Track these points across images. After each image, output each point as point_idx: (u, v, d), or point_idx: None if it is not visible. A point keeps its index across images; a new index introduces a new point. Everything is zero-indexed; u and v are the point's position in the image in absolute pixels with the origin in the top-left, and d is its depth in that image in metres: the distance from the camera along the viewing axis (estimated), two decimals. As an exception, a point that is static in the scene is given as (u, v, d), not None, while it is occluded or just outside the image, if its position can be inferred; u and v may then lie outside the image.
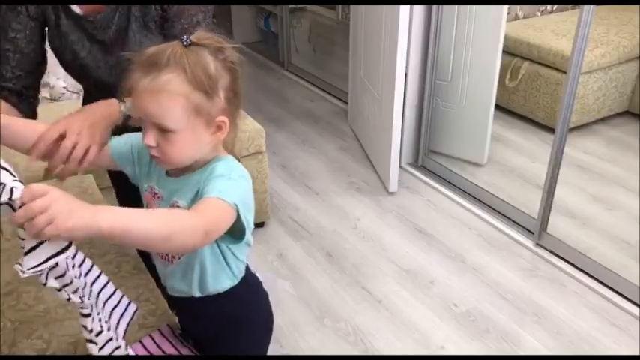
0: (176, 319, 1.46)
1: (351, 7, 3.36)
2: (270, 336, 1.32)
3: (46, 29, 1.39)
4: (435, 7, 2.78)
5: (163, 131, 0.98)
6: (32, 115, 1.36)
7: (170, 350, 1.39)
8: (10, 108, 1.29)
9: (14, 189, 0.81)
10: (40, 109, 2.59)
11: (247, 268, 1.21)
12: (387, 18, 2.70)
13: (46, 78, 2.60)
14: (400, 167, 2.96)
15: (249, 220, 1.03)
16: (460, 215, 2.72)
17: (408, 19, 2.58)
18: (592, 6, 2.08)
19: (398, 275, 2.35)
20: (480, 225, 2.65)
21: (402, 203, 2.82)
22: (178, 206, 1.05)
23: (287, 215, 2.73)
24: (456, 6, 2.76)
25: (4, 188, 0.81)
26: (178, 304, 1.26)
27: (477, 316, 2.14)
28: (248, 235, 1.06)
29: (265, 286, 1.30)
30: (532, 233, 2.52)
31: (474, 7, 2.73)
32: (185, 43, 0.97)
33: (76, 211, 0.79)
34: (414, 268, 2.39)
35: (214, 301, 1.17)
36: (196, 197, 1.01)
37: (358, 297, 2.25)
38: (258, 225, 2.63)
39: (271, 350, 1.60)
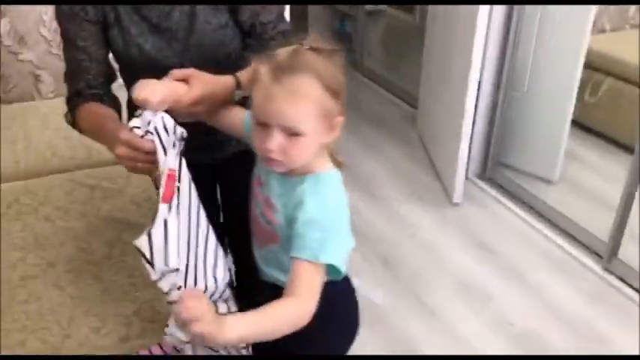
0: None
1: (429, 11, 3.31)
2: (350, 345, 1.31)
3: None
4: (515, 13, 2.69)
5: (291, 135, 0.98)
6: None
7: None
8: (104, 106, 1.27)
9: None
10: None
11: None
12: (464, 24, 2.64)
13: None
14: (466, 178, 2.89)
15: (347, 246, 1.05)
16: (525, 232, 2.62)
17: (486, 25, 2.51)
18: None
19: (454, 288, 2.29)
20: (546, 244, 2.54)
21: (465, 215, 2.74)
22: (271, 204, 1.07)
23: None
24: (538, 14, 2.66)
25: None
26: (265, 289, 1.25)
27: (533, 338, 2.06)
28: (343, 263, 1.05)
29: (358, 294, 1.30)
30: (601, 257, 2.39)
31: (557, 16, 2.62)
32: (306, 48, 1.00)
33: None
34: (472, 282, 2.32)
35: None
36: (288, 211, 1.04)
37: (411, 307, 2.20)
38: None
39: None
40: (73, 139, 2.22)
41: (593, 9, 2.61)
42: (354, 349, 2.00)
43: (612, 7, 3.48)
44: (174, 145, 1.05)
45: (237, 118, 1.20)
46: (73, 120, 1.32)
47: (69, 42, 1.30)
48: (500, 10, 2.69)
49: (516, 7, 2.67)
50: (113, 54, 1.35)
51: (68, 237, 1.72)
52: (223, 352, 1.19)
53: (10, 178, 2.04)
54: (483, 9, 2.44)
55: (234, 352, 1.17)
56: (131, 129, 1.03)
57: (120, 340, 1.40)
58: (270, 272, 1.17)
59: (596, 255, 2.42)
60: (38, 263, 1.62)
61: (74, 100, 1.29)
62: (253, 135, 1.03)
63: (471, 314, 2.17)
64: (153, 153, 1.02)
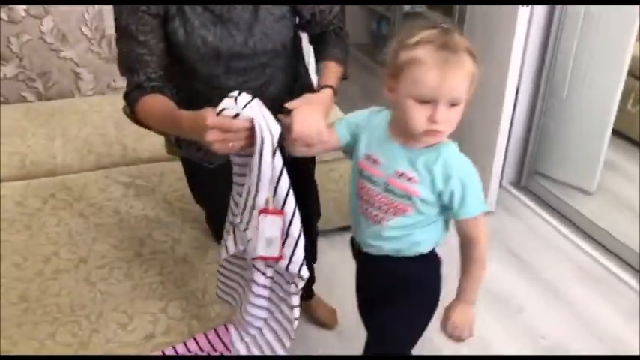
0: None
1: (467, 13, 3.26)
2: (434, 312, 1.41)
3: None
4: (555, 19, 2.63)
5: (452, 105, 1.12)
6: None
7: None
8: (166, 97, 1.29)
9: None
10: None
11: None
12: (503, 26, 2.59)
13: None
14: (500, 186, 2.83)
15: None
16: (560, 244, 2.56)
17: (526, 28, 2.46)
18: None
19: (484, 299, 2.25)
20: (581, 257, 2.47)
21: (498, 224, 2.69)
22: (409, 178, 1.19)
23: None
24: (580, 19, 2.59)
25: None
26: (366, 259, 1.37)
27: (564, 353, 2.00)
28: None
29: None
30: (638, 272, 2.31)
31: (600, 22, 2.55)
32: (442, 27, 1.12)
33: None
34: (503, 293, 2.28)
35: (406, 262, 1.30)
36: (432, 185, 1.18)
37: (438, 315, 2.17)
38: (344, 228, 2.61)
39: (339, 343, 1.57)
40: (110, 137, 2.26)
41: (638, 15, 2.52)
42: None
43: (659, 14, 3.37)
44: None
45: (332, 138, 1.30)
46: (133, 112, 1.33)
47: (129, 36, 1.29)
48: (540, 12, 2.63)
49: (557, 10, 2.61)
50: (171, 47, 1.35)
51: (101, 233, 1.75)
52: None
53: (48, 173, 2.09)
54: (523, 13, 2.39)
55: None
56: (219, 112, 1.07)
57: (146, 336, 1.42)
58: (388, 245, 1.28)
59: (633, 269, 2.35)
60: (71, 258, 1.66)
61: (134, 93, 1.29)
62: (410, 114, 1.12)
63: (501, 325, 2.13)
64: (245, 130, 1.07)
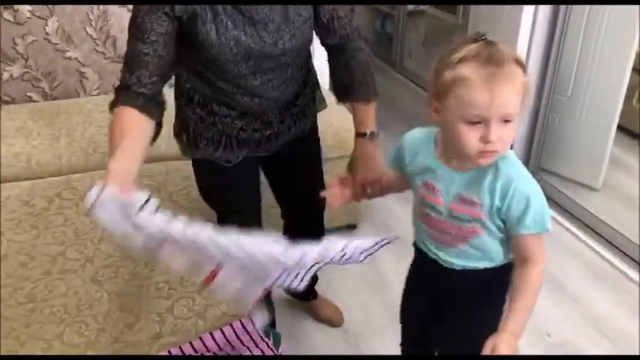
0: (265, 313, 1.49)
1: (471, 11, 3.25)
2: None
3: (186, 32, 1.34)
4: (560, 16, 2.62)
5: (504, 122, 1.04)
6: (160, 121, 1.35)
7: (248, 342, 1.41)
8: (138, 118, 1.26)
9: None
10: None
11: None
12: (507, 24, 2.58)
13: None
14: (505, 182, 2.83)
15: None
16: (566, 241, 2.55)
17: (531, 26, 2.45)
18: None
19: (490, 295, 2.25)
20: (587, 253, 2.47)
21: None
22: (471, 201, 1.14)
23: (381, 220, 2.70)
24: (585, 15, 2.58)
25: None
26: (434, 269, 1.32)
27: (571, 350, 2.00)
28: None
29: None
30: (644, 268, 2.32)
31: (605, 17, 2.54)
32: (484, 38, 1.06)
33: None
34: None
35: (475, 274, 1.25)
36: (496, 210, 1.12)
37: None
38: (351, 226, 2.62)
39: (351, 344, 1.57)
40: (115, 136, 2.27)
41: (644, 11, 2.51)
42: (387, 350, 1.99)
43: (664, 9, 3.36)
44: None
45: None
46: (110, 111, 1.33)
47: (139, 33, 1.28)
48: (545, 10, 2.62)
49: (562, 9, 2.60)
50: (198, 49, 1.34)
51: (107, 233, 1.76)
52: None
53: (53, 173, 2.10)
54: (528, 10, 2.38)
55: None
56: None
57: (152, 336, 1.42)
58: (463, 263, 1.25)
59: (639, 265, 2.34)
60: (77, 258, 1.66)
61: (119, 94, 1.29)
62: (461, 136, 1.05)
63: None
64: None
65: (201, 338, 1.42)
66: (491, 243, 1.20)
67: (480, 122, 1.03)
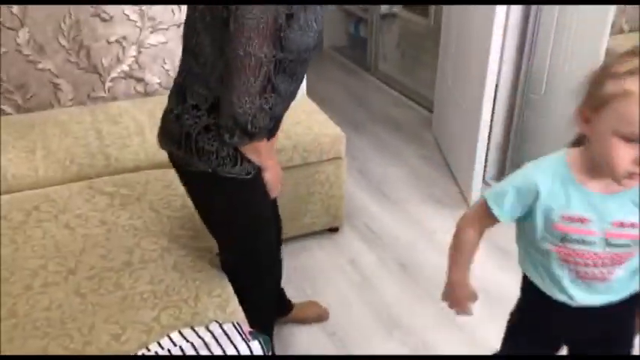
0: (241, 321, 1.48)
1: (444, 13, 3.29)
2: None
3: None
4: (532, 15, 2.66)
5: None
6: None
7: (235, 339, 1.39)
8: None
9: None
10: (133, 104, 2.71)
11: None
12: (480, 26, 2.62)
13: (141, 74, 2.72)
14: (484, 182, 2.87)
15: None
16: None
17: (503, 27, 2.49)
18: None
19: (479, 297, 2.27)
20: (566, 248, 2.51)
21: (482, 219, 2.72)
22: (631, 223, 1.06)
23: (362, 222, 2.71)
24: (555, 15, 2.64)
25: None
26: (574, 313, 1.23)
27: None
28: None
29: None
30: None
31: (575, 16, 2.60)
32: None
33: None
34: (492, 287, 2.29)
35: (618, 310, 1.19)
36: None
37: (430, 312, 2.19)
38: (333, 229, 2.62)
39: (331, 344, 1.56)
40: (92, 147, 2.24)
41: (612, 9, 2.57)
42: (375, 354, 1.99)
43: (630, 7, 3.44)
44: None
45: None
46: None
47: (269, 41, 1.24)
48: (517, 11, 2.67)
49: (533, 7, 2.65)
50: (282, 52, 1.30)
51: (88, 244, 1.73)
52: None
53: (30, 186, 2.06)
54: (500, 10, 2.42)
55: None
56: None
57: (139, 347, 1.40)
58: (614, 297, 1.18)
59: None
60: (59, 270, 1.63)
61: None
62: (613, 153, 0.97)
63: (491, 319, 2.14)
64: None
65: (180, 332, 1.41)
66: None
67: (634, 141, 0.95)
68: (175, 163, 1.52)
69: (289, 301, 2.09)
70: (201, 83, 1.37)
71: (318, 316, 2.13)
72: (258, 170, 1.48)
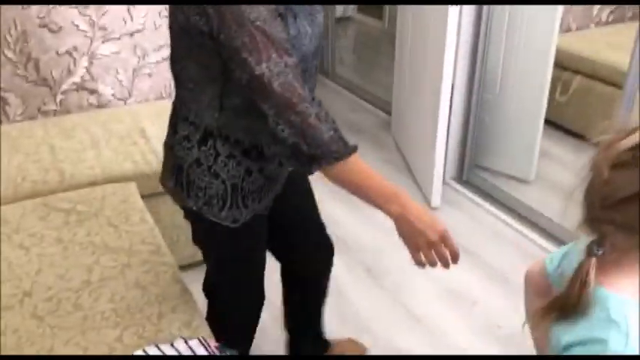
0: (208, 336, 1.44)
1: (398, 16, 3.32)
2: None
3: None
4: (484, 17, 2.71)
5: None
6: None
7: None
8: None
9: None
10: (87, 116, 2.64)
11: None
12: (434, 28, 2.65)
13: (94, 85, 2.65)
14: (444, 182, 2.90)
15: None
16: (505, 233, 2.64)
17: (456, 29, 2.52)
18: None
19: (439, 294, 2.29)
20: (527, 244, 2.56)
21: (444, 219, 2.71)
22: None
23: (328, 230, 2.69)
24: (507, 17, 2.69)
25: None
26: None
27: (521, 340, 2.05)
28: None
29: None
30: (581, 254, 2.41)
31: (525, 18, 2.65)
32: None
33: None
34: (456, 287, 2.32)
35: None
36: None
37: (398, 315, 2.19)
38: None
39: None
40: (45, 163, 2.17)
41: (560, 8, 2.64)
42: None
43: (577, 7, 3.55)
44: None
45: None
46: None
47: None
48: (469, 12, 2.71)
49: (485, 8, 2.69)
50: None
51: (44, 264, 1.67)
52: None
53: (-20, 205, 1.98)
54: (453, 12, 2.45)
55: None
56: None
57: (103, 369, 1.36)
58: None
59: (577, 252, 2.44)
60: (14, 293, 1.57)
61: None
62: None
63: (458, 319, 2.17)
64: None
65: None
66: None
67: None
68: (173, 198, 1.41)
69: (326, 340, 1.94)
70: (191, 111, 1.27)
71: (356, 355, 2.01)
72: (253, 217, 1.35)
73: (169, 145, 1.35)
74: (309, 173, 1.19)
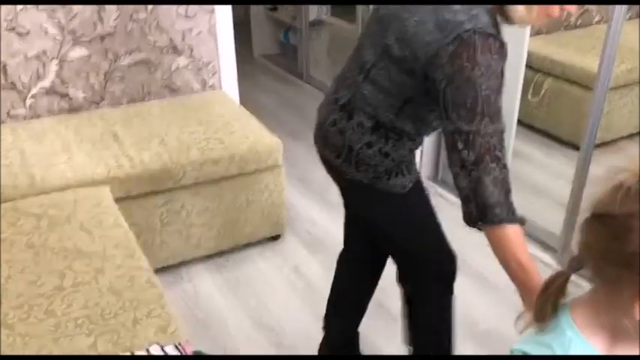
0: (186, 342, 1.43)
1: (371, 20, 3.33)
2: None
3: None
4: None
5: None
6: None
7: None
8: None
9: None
10: (57, 120, 2.60)
11: None
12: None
13: (64, 89, 2.60)
14: (419, 182, 2.91)
15: None
16: (480, 232, 2.65)
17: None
18: (620, 20, 2.02)
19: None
20: (501, 243, 2.58)
21: (420, 219, 2.76)
22: None
23: (304, 229, 2.69)
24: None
25: None
26: None
27: (497, 337, 2.08)
28: None
29: None
30: (555, 251, 2.44)
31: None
32: None
33: None
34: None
35: None
36: None
37: (375, 315, 2.19)
38: (274, 238, 2.59)
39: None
40: (14, 167, 2.12)
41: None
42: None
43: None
44: None
45: None
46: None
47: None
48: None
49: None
50: None
51: (14, 270, 1.63)
52: None
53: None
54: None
55: None
56: None
57: (77, 376, 1.33)
58: None
59: (551, 249, 2.47)
60: (-17, 301, 1.53)
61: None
62: None
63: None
64: None
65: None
66: None
67: None
68: (332, 168, 1.55)
69: (360, 355, 1.98)
70: (371, 105, 1.39)
71: (356, 355, 2.02)
72: (416, 183, 1.50)
73: (339, 128, 1.45)
74: (470, 226, 1.29)
